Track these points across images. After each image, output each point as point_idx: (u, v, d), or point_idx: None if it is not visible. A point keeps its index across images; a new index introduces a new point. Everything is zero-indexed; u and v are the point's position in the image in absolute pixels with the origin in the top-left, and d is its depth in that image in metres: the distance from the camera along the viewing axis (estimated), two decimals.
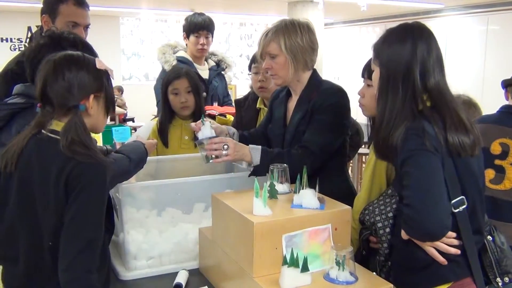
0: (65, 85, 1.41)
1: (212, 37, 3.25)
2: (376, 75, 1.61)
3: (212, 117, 2.83)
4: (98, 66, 1.47)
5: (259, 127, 2.37)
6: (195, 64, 3.22)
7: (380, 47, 1.59)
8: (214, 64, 3.37)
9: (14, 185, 1.43)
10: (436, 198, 1.39)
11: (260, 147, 1.91)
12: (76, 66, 1.43)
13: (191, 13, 3.33)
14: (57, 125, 1.42)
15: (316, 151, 1.93)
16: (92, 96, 1.44)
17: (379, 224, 1.65)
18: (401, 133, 1.47)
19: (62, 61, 1.44)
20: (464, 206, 1.45)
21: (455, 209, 1.44)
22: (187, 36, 3.23)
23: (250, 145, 1.92)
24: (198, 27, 3.16)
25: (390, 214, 1.64)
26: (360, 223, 1.76)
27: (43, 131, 1.43)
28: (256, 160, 1.88)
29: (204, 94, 3.03)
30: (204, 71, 3.25)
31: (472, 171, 1.51)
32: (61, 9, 2.26)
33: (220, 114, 2.94)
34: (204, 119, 1.93)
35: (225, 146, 1.83)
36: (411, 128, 1.46)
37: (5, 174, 1.45)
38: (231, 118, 2.93)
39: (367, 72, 1.88)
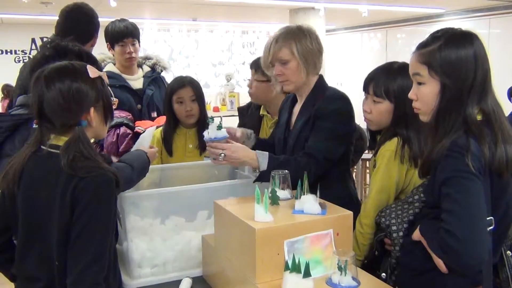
0: (63, 103, 1.34)
1: (139, 42, 2.95)
2: (432, 89, 1.44)
3: (138, 134, 2.57)
4: (91, 75, 1.40)
5: (271, 134, 2.36)
6: (124, 76, 2.95)
7: (438, 57, 1.42)
8: (149, 69, 3.07)
9: (19, 205, 1.40)
10: (482, 233, 1.31)
11: (267, 153, 1.92)
12: (70, 78, 1.37)
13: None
14: (58, 140, 1.39)
15: (320, 158, 1.93)
16: (92, 109, 1.40)
17: (394, 227, 1.67)
18: (444, 146, 1.37)
19: (54, 76, 1.36)
20: (491, 228, 1.39)
21: None
22: (111, 47, 2.93)
23: (256, 151, 1.93)
24: (121, 35, 2.86)
25: (406, 219, 1.66)
26: (376, 225, 1.79)
27: (42, 147, 1.40)
28: (263, 165, 1.88)
29: (139, 106, 2.90)
30: (137, 81, 2.99)
31: (507, 192, 1.46)
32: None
33: None
34: (212, 120, 1.94)
35: (222, 155, 1.85)
36: (456, 144, 1.36)
37: (9, 195, 1.42)
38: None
39: (372, 87, 1.86)
